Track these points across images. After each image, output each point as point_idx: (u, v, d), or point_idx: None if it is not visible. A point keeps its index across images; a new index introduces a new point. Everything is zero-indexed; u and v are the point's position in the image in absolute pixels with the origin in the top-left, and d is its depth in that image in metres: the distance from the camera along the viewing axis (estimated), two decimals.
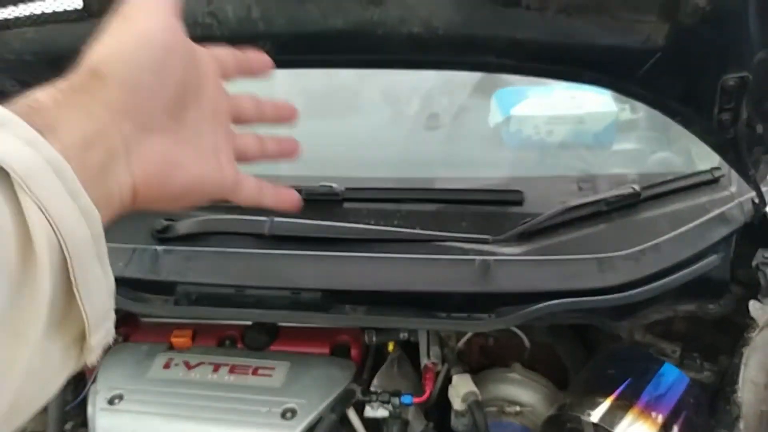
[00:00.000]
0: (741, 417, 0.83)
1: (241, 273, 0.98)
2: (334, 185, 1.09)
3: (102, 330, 0.35)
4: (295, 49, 0.94)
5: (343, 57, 0.96)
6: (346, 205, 1.10)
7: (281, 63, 1.08)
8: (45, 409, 1.07)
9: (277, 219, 1.03)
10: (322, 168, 1.26)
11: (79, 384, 1.12)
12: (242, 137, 0.49)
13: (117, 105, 0.37)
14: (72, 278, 0.32)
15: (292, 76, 1.62)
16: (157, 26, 0.39)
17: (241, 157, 0.49)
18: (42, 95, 0.35)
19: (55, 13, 0.86)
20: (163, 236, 1.03)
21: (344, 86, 1.57)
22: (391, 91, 1.52)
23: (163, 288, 1.00)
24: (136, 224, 1.07)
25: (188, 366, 1.04)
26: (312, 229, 1.02)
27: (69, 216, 0.31)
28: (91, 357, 0.35)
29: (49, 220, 0.30)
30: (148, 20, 0.39)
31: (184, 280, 0.98)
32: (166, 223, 1.04)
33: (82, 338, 0.34)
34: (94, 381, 1.04)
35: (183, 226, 1.04)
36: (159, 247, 1.01)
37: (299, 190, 1.05)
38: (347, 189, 1.09)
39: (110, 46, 0.38)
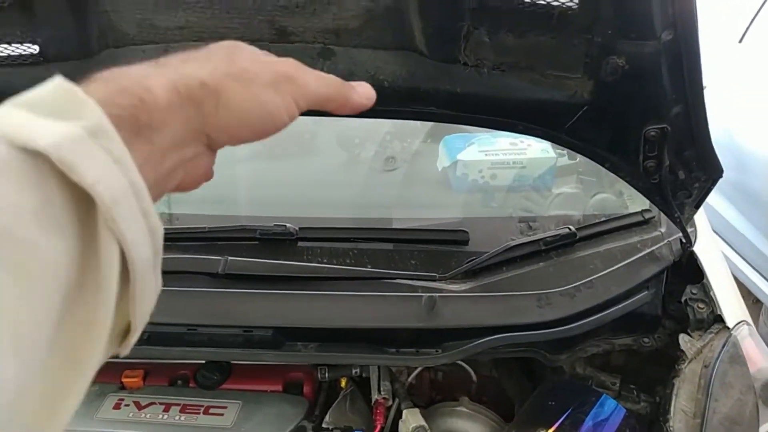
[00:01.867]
0: None
1: (194, 312, 0.99)
2: (288, 225, 1.12)
3: (141, 327, 0.35)
4: None
5: None
6: (300, 244, 1.13)
7: None
8: None
9: (231, 258, 1.05)
10: (278, 209, 1.29)
11: None
12: None
13: (212, 121, 0.38)
14: (132, 297, 0.32)
15: None
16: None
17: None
18: (159, 90, 0.35)
19: (10, 56, 0.88)
20: None
21: (300, 130, 1.62)
22: (345, 135, 1.58)
23: None
24: None
25: (139, 406, 1.03)
26: (266, 268, 1.04)
27: (140, 240, 0.31)
28: (124, 352, 0.36)
29: (122, 248, 0.30)
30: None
31: None
32: None
33: (121, 336, 0.35)
34: None
35: None
36: None
37: (254, 230, 1.11)
38: (301, 228, 1.13)
39: (215, 67, 0.39)
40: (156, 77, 0.35)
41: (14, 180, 0.28)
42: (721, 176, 0.99)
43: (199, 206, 1.35)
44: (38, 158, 0.28)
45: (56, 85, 0.31)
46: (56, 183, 0.29)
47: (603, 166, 1.05)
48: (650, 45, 0.84)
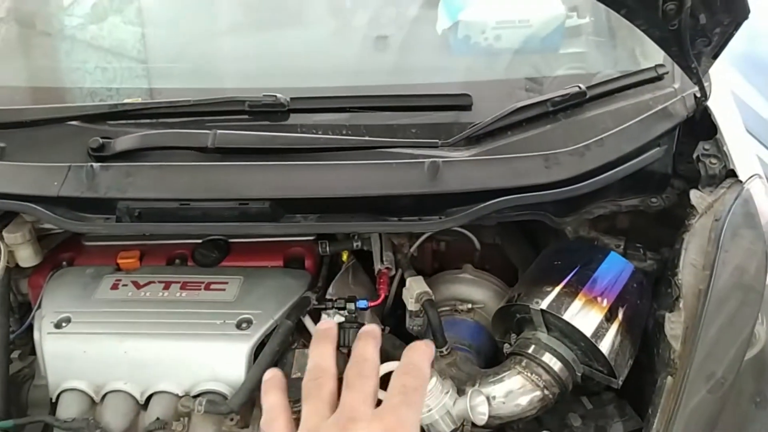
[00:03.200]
0: (681, 297, 0.87)
1: (186, 186, 0.95)
2: (278, 95, 1.05)
3: None
4: None
5: None
6: (293, 115, 1.07)
7: None
8: None
9: (220, 132, 0.99)
10: (266, 80, 1.21)
11: (23, 312, 1.09)
12: None
13: None
14: None
15: None
16: None
17: None
18: None
19: None
20: (100, 154, 0.98)
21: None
22: (336, 2, 1.46)
23: (104, 206, 0.96)
24: (71, 143, 1.01)
25: (137, 285, 1.02)
26: (258, 141, 0.99)
27: None
28: None
29: None
30: None
31: (124, 196, 0.94)
32: (101, 140, 0.99)
33: None
34: (38, 306, 1.01)
35: (120, 143, 0.99)
36: (95, 164, 0.96)
37: (242, 102, 1.04)
38: (293, 99, 1.06)
39: None
40: None
41: None
42: (747, 18, 0.90)
43: (183, 80, 1.27)
44: None
45: None
46: None
47: (619, 12, 0.96)
48: None
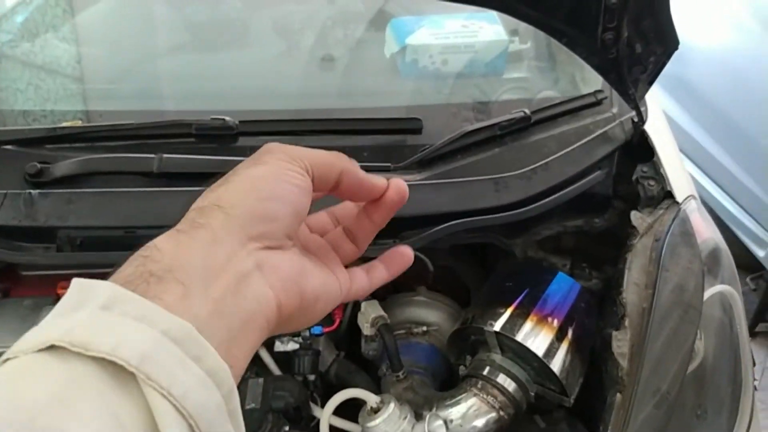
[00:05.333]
0: (626, 315, 0.91)
1: (130, 213, 0.92)
2: (227, 118, 1.03)
3: None
4: None
5: None
6: (242, 139, 1.05)
7: None
8: None
9: (166, 156, 0.96)
10: (211, 102, 1.19)
11: None
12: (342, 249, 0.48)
13: (241, 231, 0.37)
14: None
15: (174, 9, 1.51)
16: (275, 166, 0.40)
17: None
18: (161, 240, 0.35)
19: None
20: (38, 180, 0.94)
21: (231, 18, 1.48)
22: (282, 22, 1.45)
23: (43, 235, 0.92)
24: (5, 167, 0.96)
25: None
26: (206, 165, 0.97)
27: (194, 387, 0.30)
28: None
29: (172, 402, 0.29)
30: (268, 164, 0.41)
31: (65, 225, 0.90)
32: (39, 165, 0.95)
33: None
34: None
35: (60, 168, 0.95)
36: (34, 191, 0.92)
37: (189, 125, 1.02)
38: (241, 122, 1.04)
39: (230, 183, 0.39)
40: (163, 236, 0.36)
41: (38, 374, 0.28)
42: (677, 48, 0.96)
43: (124, 101, 1.23)
44: (57, 353, 0.28)
45: (71, 287, 0.32)
46: (83, 367, 0.28)
47: (560, 41, 1.00)
48: None
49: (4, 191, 0.92)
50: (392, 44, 1.31)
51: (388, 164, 1.00)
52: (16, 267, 1.07)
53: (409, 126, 1.09)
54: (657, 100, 1.33)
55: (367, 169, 0.99)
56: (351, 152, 1.06)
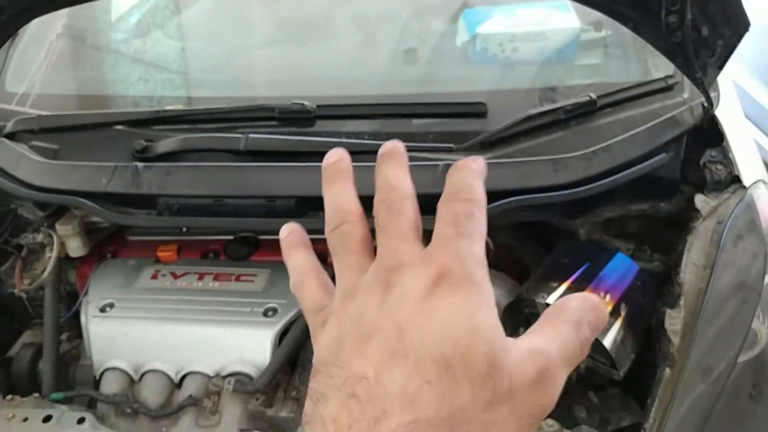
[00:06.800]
0: (682, 295, 0.91)
1: (219, 184, 1.04)
2: (306, 103, 1.13)
3: None
4: None
5: None
6: (319, 122, 1.15)
7: None
8: (41, 323, 1.14)
9: (251, 135, 1.08)
10: (294, 89, 1.30)
11: (70, 299, 1.19)
12: None
13: None
14: None
15: (265, 7, 1.65)
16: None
17: None
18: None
19: None
20: (143, 155, 1.08)
21: (315, 14, 1.59)
22: (362, 16, 1.54)
23: (146, 202, 1.06)
24: (116, 145, 1.11)
25: (175, 276, 1.10)
26: (285, 145, 1.07)
27: None
28: None
29: None
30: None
31: (164, 193, 1.03)
32: (145, 143, 1.09)
33: None
34: (86, 293, 1.10)
35: (162, 146, 1.09)
36: (139, 164, 1.06)
37: (272, 109, 1.13)
38: (318, 106, 1.14)
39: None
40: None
41: None
42: (747, 30, 0.95)
43: (219, 89, 1.37)
44: None
45: None
46: None
47: (626, 25, 1.02)
48: None
49: (115, 164, 1.06)
50: (464, 33, 1.37)
51: (451, 145, 1.06)
52: (123, 231, 1.23)
53: (474, 110, 1.14)
54: (732, 82, 1.29)
55: (432, 150, 1.07)
56: (418, 135, 1.14)
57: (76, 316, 1.11)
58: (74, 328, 1.16)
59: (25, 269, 1.15)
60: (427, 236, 0.35)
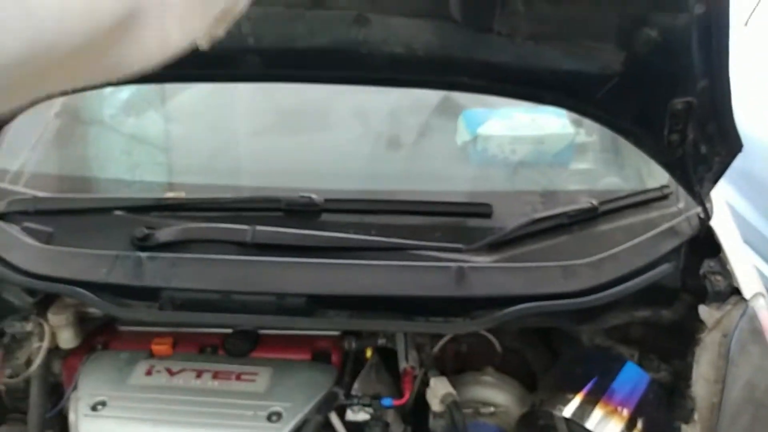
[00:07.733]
0: (695, 409, 0.91)
1: (227, 279, 1.01)
2: (314, 196, 1.14)
3: None
4: (283, 64, 0.99)
5: (327, 73, 1.02)
6: (324, 215, 1.15)
7: (269, 77, 1.12)
8: (20, 418, 1.06)
9: (259, 228, 1.06)
10: (296, 180, 1.30)
11: (54, 391, 1.12)
12: None
13: None
14: None
15: (265, 95, 1.68)
16: None
17: None
18: None
19: None
20: (144, 244, 1.05)
21: (315, 105, 1.63)
22: (361, 108, 1.58)
23: (147, 294, 1.02)
24: (114, 231, 1.08)
25: (171, 372, 1.05)
26: (293, 239, 1.06)
27: None
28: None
29: None
30: None
31: (168, 286, 1.00)
32: (146, 231, 1.06)
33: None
34: (74, 388, 1.04)
35: (163, 234, 1.06)
36: (143, 254, 1.03)
37: (279, 201, 1.13)
38: (326, 200, 1.14)
39: None
40: None
41: None
42: (740, 150, 1.01)
43: (215, 176, 1.36)
44: None
45: None
46: None
47: (627, 139, 1.07)
48: (682, 17, 0.86)
49: (115, 252, 1.03)
50: (464, 133, 1.41)
51: (460, 246, 1.07)
52: (115, 322, 1.18)
53: (480, 210, 1.16)
54: (720, 193, 1.35)
55: (440, 249, 1.07)
56: (425, 231, 1.14)
57: (62, 411, 1.04)
58: (59, 423, 1.08)
59: (5, 358, 1.08)
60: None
